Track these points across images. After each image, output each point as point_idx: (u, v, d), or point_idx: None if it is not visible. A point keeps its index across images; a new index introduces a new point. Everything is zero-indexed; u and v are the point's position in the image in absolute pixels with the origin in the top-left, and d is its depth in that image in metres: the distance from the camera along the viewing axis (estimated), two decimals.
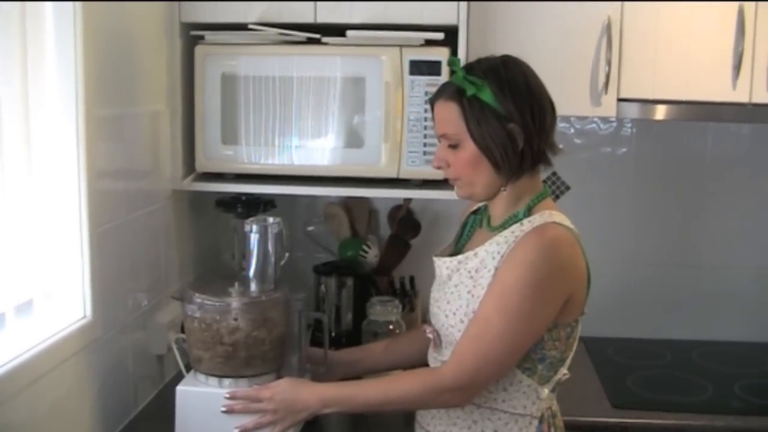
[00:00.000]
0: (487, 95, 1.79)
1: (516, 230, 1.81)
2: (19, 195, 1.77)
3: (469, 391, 1.79)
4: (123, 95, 2.15)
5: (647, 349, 2.91)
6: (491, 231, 1.90)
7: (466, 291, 1.84)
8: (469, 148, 1.82)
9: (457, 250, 1.99)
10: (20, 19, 1.75)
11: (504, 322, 1.73)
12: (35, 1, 1.81)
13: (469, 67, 1.85)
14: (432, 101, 1.91)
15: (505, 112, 1.79)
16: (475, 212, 2.05)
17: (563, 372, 1.87)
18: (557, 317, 1.78)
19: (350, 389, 1.92)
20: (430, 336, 1.96)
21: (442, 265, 1.94)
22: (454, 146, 1.85)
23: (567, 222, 1.85)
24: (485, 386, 1.80)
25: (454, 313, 1.85)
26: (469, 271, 1.85)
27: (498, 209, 1.91)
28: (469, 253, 1.87)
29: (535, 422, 1.84)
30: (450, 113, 1.84)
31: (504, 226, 1.86)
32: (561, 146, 1.90)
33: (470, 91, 1.80)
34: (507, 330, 1.74)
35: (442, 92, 1.88)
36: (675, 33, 2.47)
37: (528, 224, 1.81)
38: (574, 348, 1.88)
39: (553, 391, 1.87)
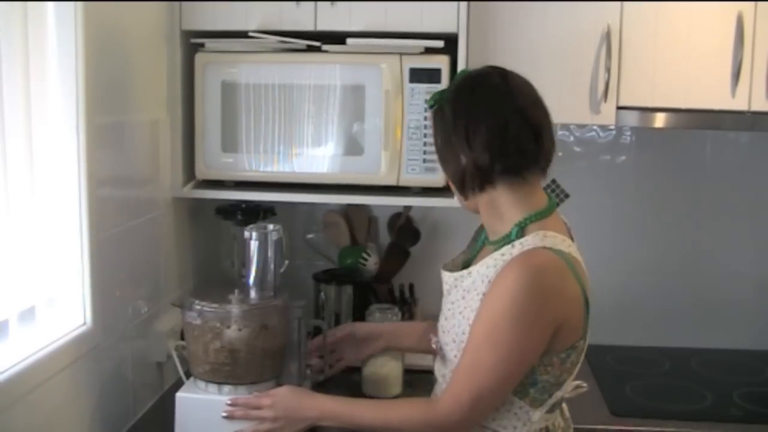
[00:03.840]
0: (446, 107, 1.82)
1: (506, 253, 1.76)
2: (20, 202, 1.77)
3: (464, 427, 1.78)
4: (123, 103, 2.16)
5: (646, 357, 2.91)
6: (489, 245, 1.88)
7: (458, 311, 1.83)
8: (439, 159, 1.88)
9: (466, 262, 1.97)
10: (22, 27, 1.75)
11: (494, 355, 1.71)
12: (37, 2, 1.81)
13: (459, 80, 1.88)
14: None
15: (453, 125, 1.80)
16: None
17: (560, 395, 1.83)
18: (550, 344, 1.74)
19: (350, 407, 1.91)
20: (434, 346, 1.95)
21: (444, 279, 1.93)
22: None
23: (563, 244, 1.78)
24: (481, 419, 1.79)
25: (448, 332, 1.86)
26: (463, 290, 1.83)
27: (487, 223, 1.89)
28: (464, 272, 1.85)
29: None
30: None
31: (498, 244, 1.81)
32: (550, 158, 1.86)
33: (430, 102, 1.86)
34: (498, 363, 1.71)
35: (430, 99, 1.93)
36: (674, 41, 2.48)
37: (519, 247, 1.75)
38: (574, 372, 1.84)
39: (551, 411, 1.83)
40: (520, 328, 1.69)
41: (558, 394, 1.82)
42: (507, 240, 1.79)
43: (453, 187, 1.89)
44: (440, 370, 1.93)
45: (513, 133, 1.76)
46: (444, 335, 1.88)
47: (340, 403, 1.92)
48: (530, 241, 1.75)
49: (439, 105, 1.85)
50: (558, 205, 1.89)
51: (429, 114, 1.90)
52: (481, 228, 1.99)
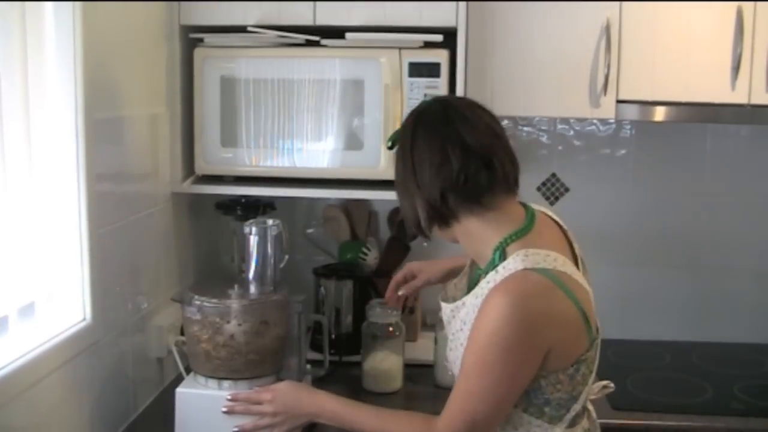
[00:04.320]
0: (397, 148, 1.82)
1: (491, 279, 1.71)
2: (19, 198, 1.78)
3: None
4: (122, 98, 2.15)
5: (647, 350, 2.91)
6: (481, 272, 1.81)
7: (459, 343, 1.80)
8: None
9: (472, 283, 1.89)
10: (20, 22, 1.75)
11: (484, 383, 1.67)
12: (35, 1, 1.81)
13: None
14: None
15: (402, 167, 1.79)
16: None
17: (578, 408, 1.77)
18: (546, 366, 1.69)
19: (350, 410, 1.89)
20: (450, 373, 1.92)
21: (443, 309, 1.90)
22: None
23: (545, 260, 1.70)
24: None
25: (455, 362, 1.82)
26: (461, 321, 1.80)
27: (470, 252, 1.86)
28: (458, 303, 1.82)
29: None
30: None
31: (485, 270, 1.76)
32: (506, 174, 1.76)
33: (388, 144, 1.87)
34: (488, 391, 1.68)
35: None
36: (674, 34, 2.47)
37: (502, 271, 1.70)
38: (589, 382, 1.79)
39: (572, 425, 1.78)
40: (506, 356, 1.65)
41: (576, 407, 1.77)
42: (492, 265, 1.74)
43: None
44: None
45: (457, 165, 1.71)
46: (452, 365, 1.86)
47: (341, 404, 1.90)
48: (511, 264, 1.69)
49: (395, 146, 1.83)
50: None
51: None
52: None
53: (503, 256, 1.73)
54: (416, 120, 1.80)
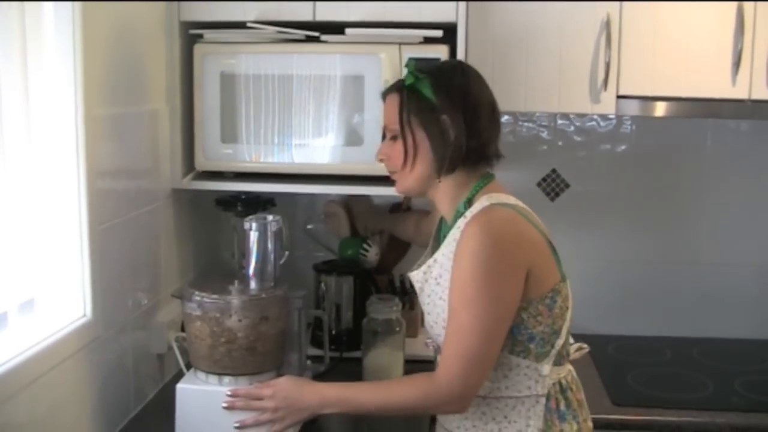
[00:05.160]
0: (424, 87, 1.85)
1: (461, 224, 1.82)
2: (20, 194, 1.77)
3: (465, 396, 1.79)
4: (122, 94, 2.15)
5: (647, 346, 2.91)
6: (448, 230, 1.91)
7: (438, 298, 1.86)
8: (405, 138, 1.87)
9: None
10: (20, 18, 1.75)
11: (471, 314, 1.74)
12: (35, 0, 1.81)
13: (420, 65, 1.91)
14: (383, 95, 1.97)
15: (439, 103, 1.83)
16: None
17: (560, 343, 1.86)
18: (526, 294, 1.78)
19: (352, 391, 1.92)
20: (431, 347, 1.98)
21: (414, 279, 1.96)
22: (394, 138, 1.91)
23: (509, 199, 1.86)
24: (479, 385, 1.80)
25: (436, 323, 1.88)
26: (436, 279, 1.87)
27: (444, 207, 1.94)
28: (430, 261, 1.90)
29: (542, 400, 1.84)
30: (391, 105, 1.91)
31: (454, 222, 1.87)
32: (503, 155, 1.92)
33: (408, 81, 1.87)
34: (476, 321, 1.74)
35: (390, 87, 1.96)
36: (674, 30, 2.47)
37: (469, 215, 1.81)
38: (567, 317, 1.87)
39: (558, 363, 1.87)
40: (489, 281, 1.73)
41: (559, 343, 1.85)
42: (458, 215, 1.86)
43: (421, 164, 1.89)
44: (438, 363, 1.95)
45: (493, 124, 1.89)
46: (433, 328, 1.90)
47: (341, 388, 1.92)
48: (477, 206, 1.82)
49: (416, 84, 1.87)
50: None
51: (397, 94, 1.91)
52: (439, 226, 2.03)
53: (469, 205, 1.86)
54: (464, 67, 1.93)
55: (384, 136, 1.97)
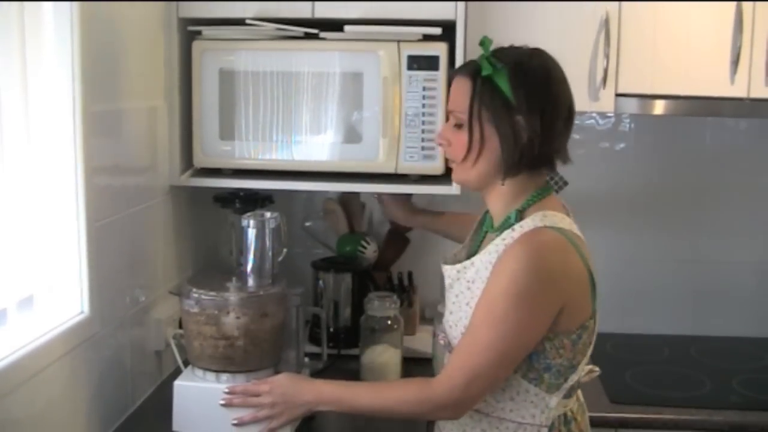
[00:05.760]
0: (501, 80, 1.74)
1: (507, 237, 1.74)
2: (17, 190, 1.77)
3: (460, 406, 1.77)
4: (120, 91, 2.15)
5: (645, 344, 2.91)
6: (492, 232, 1.86)
7: (464, 303, 1.81)
8: (471, 131, 1.77)
9: (471, 253, 1.93)
10: (18, 14, 1.75)
11: (492, 333, 1.69)
12: (35, 0, 1.81)
13: (497, 51, 1.79)
14: (452, 75, 1.87)
15: (515, 102, 1.73)
16: (488, 211, 1.96)
17: (575, 378, 1.80)
18: (555, 326, 1.71)
19: (348, 390, 1.91)
20: (442, 342, 1.93)
21: (446, 273, 1.89)
22: (459, 126, 1.79)
23: (563, 222, 1.77)
24: (477, 400, 1.77)
25: (456, 325, 1.83)
26: (467, 281, 1.81)
27: (495, 207, 1.86)
28: (467, 263, 1.82)
29: (544, 430, 1.79)
30: (462, 90, 1.79)
31: (500, 229, 1.80)
32: (571, 159, 1.83)
33: (486, 71, 1.74)
34: (494, 341, 1.69)
35: (463, 68, 1.85)
36: (673, 28, 2.47)
37: (519, 230, 1.74)
38: (588, 353, 1.81)
39: (568, 396, 1.81)
40: (520, 306, 1.67)
41: (573, 378, 1.80)
42: (507, 224, 1.78)
43: (485, 160, 1.79)
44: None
45: (572, 120, 1.81)
46: (452, 329, 1.86)
47: (338, 386, 1.91)
48: (529, 222, 1.75)
49: (493, 76, 1.75)
50: (557, 192, 1.87)
51: (469, 80, 1.78)
52: (483, 219, 1.97)
53: (520, 217, 1.77)
54: (553, 67, 1.81)
55: (447, 118, 1.88)
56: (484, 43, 1.79)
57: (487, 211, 1.94)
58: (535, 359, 1.75)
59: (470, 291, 1.79)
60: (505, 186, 1.80)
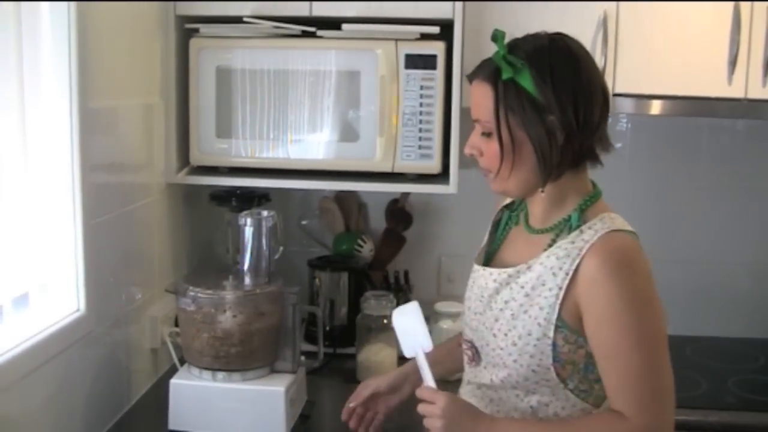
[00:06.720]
0: (524, 79, 1.58)
1: (577, 241, 1.61)
2: (13, 188, 1.77)
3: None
4: (117, 88, 2.15)
5: None
6: (532, 233, 1.72)
7: (521, 310, 1.64)
8: (501, 139, 1.62)
9: (492, 249, 1.82)
10: (15, 11, 1.74)
11: (644, 352, 1.57)
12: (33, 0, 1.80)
13: (513, 45, 1.62)
14: (469, 78, 1.69)
15: (545, 102, 1.58)
16: (508, 206, 1.85)
17: None
18: None
19: (529, 424, 1.67)
20: (468, 353, 1.78)
21: (489, 276, 1.72)
22: (488, 134, 1.64)
23: (626, 224, 1.67)
24: (671, 421, 1.60)
25: (506, 334, 1.66)
26: (523, 287, 1.64)
27: (538, 207, 1.71)
28: (522, 267, 1.66)
29: None
30: (484, 97, 1.63)
31: (553, 230, 1.68)
32: (614, 144, 1.71)
33: (506, 74, 1.58)
34: (650, 358, 1.58)
35: (480, 70, 1.66)
36: (671, 28, 2.47)
37: (590, 232, 1.61)
38: None
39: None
40: (648, 311, 1.59)
41: None
42: (565, 226, 1.66)
43: (522, 168, 1.64)
44: (474, 374, 1.77)
45: (603, 115, 1.66)
46: (495, 338, 1.68)
47: (518, 423, 1.68)
48: (600, 225, 1.63)
49: (515, 77, 1.60)
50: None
51: (490, 85, 1.62)
52: (503, 211, 1.86)
53: (582, 218, 1.65)
54: (578, 51, 1.65)
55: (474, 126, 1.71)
56: (496, 37, 1.62)
57: (504, 208, 1.85)
58: (589, 370, 1.64)
59: (528, 298, 1.64)
60: (557, 185, 1.67)
